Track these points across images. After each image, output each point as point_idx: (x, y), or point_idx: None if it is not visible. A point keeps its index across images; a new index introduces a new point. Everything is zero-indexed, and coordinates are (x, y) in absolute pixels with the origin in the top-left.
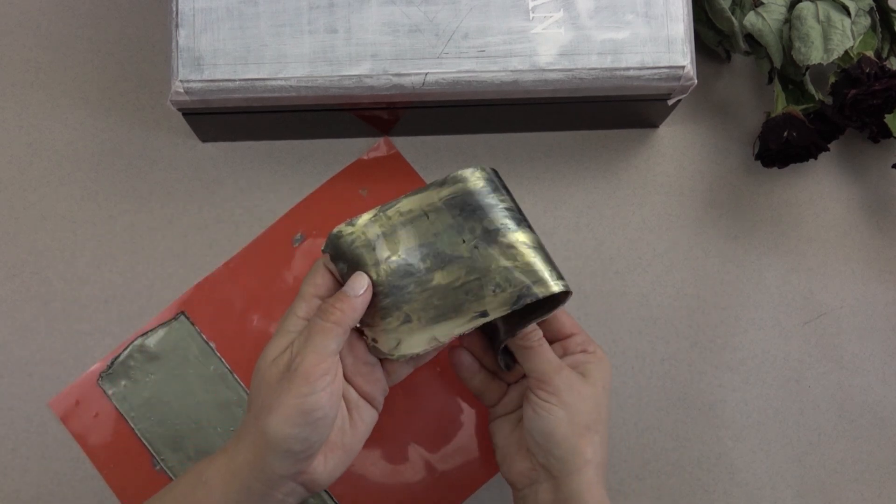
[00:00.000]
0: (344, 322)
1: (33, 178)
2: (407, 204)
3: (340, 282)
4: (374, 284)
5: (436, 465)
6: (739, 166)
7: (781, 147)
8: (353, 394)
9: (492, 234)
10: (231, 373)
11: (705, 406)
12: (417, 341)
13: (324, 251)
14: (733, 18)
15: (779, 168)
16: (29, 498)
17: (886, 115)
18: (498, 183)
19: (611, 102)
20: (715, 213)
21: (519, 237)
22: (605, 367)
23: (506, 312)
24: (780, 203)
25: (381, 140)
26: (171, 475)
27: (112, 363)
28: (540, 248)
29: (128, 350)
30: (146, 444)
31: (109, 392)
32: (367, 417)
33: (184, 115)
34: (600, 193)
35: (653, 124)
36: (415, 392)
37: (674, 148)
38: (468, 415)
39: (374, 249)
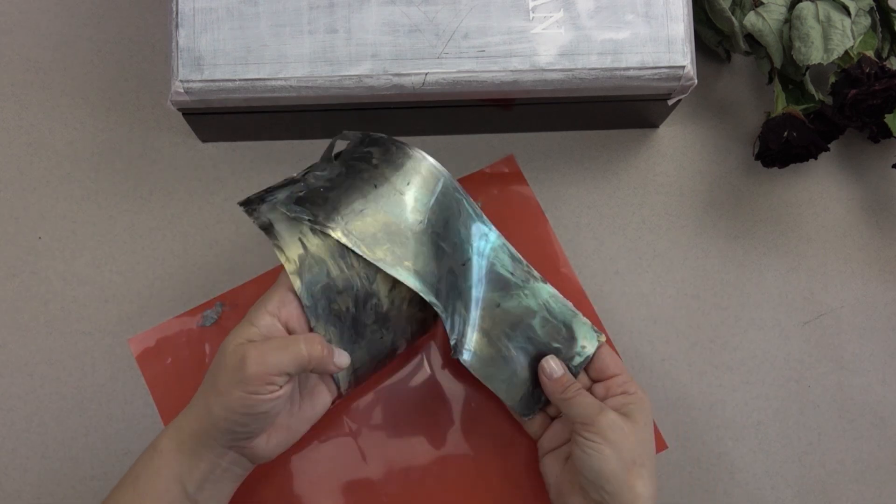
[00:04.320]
0: (314, 365)
1: (33, 178)
2: None
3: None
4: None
5: None
6: (739, 166)
7: (781, 147)
8: (313, 378)
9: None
10: None
11: (705, 406)
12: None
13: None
14: (733, 18)
15: (779, 168)
16: (29, 497)
17: (886, 115)
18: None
19: (611, 102)
20: (715, 213)
21: None
22: (645, 406)
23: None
24: (780, 203)
25: (507, 157)
26: None
27: None
28: None
29: None
30: None
31: None
32: (320, 403)
33: (184, 115)
34: (600, 193)
35: (653, 124)
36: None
37: (674, 148)
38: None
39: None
